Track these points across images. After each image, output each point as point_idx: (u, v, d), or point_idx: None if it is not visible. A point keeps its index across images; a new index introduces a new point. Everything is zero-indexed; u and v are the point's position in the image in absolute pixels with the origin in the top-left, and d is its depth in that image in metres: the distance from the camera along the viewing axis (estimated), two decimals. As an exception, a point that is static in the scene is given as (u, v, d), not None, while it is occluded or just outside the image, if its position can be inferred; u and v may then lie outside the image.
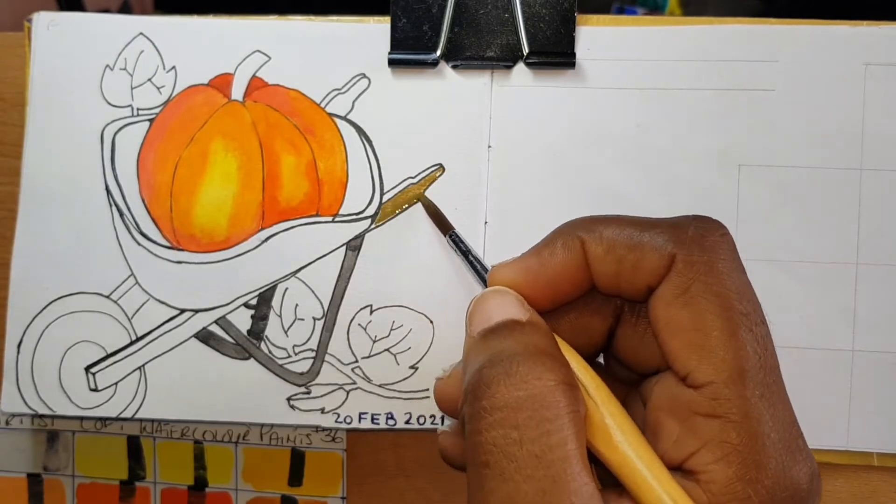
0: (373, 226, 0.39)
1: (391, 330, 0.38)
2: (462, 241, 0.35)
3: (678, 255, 0.26)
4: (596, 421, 0.25)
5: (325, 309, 0.38)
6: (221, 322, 0.39)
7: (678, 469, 0.25)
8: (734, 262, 0.26)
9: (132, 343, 0.39)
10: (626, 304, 0.29)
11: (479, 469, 0.24)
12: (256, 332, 0.39)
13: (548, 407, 0.23)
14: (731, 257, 0.26)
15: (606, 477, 0.26)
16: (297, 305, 0.38)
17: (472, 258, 0.34)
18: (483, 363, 0.25)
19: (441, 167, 0.39)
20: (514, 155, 0.38)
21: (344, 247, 0.39)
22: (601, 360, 0.31)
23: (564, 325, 0.29)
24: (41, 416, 0.41)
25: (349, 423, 0.38)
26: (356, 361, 0.38)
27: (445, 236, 0.36)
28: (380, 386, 0.38)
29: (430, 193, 0.38)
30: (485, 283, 0.31)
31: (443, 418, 0.38)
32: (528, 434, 0.23)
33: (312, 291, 0.38)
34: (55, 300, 0.39)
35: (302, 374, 0.38)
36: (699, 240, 0.26)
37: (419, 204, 0.38)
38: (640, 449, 0.25)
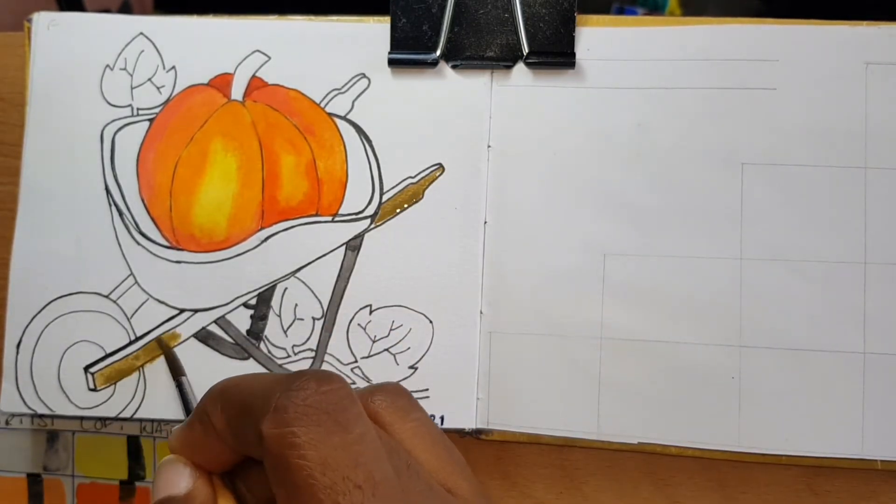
0: (372, 225, 0.39)
1: (391, 330, 0.38)
2: (186, 393, 0.37)
3: (263, 431, 0.24)
4: None
5: (325, 309, 0.38)
6: (221, 322, 0.39)
7: None
8: (321, 426, 0.24)
9: (131, 343, 0.39)
10: None
11: None
12: (256, 332, 0.39)
13: None
14: (317, 422, 0.24)
15: None
16: (296, 305, 0.38)
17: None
18: None
19: (441, 167, 0.39)
20: (513, 155, 0.38)
21: (343, 246, 0.38)
22: None
23: (246, 484, 0.28)
24: (40, 416, 0.41)
25: (349, 423, 0.38)
26: (356, 361, 0.38)
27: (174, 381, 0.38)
28: (379, 386, 0.38)
29: (430, 193, 0.38)
30: None
31: (442, 418, 0.38)
32: None
33: (312, 291, 0.38)
34: (54, 300, 0.39)
35: (301, 374, 0.38)
36: (282, 412, 0.24)
37: (419, 204, 0.38)
38: None
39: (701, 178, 0.38)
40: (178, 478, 0.28)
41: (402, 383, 0.38)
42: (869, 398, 0.36)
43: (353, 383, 0.38)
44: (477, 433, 0.38)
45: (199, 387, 0.38)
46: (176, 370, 0.37)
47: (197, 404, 0.27)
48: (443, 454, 0.27)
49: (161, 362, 0.39)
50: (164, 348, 0.39)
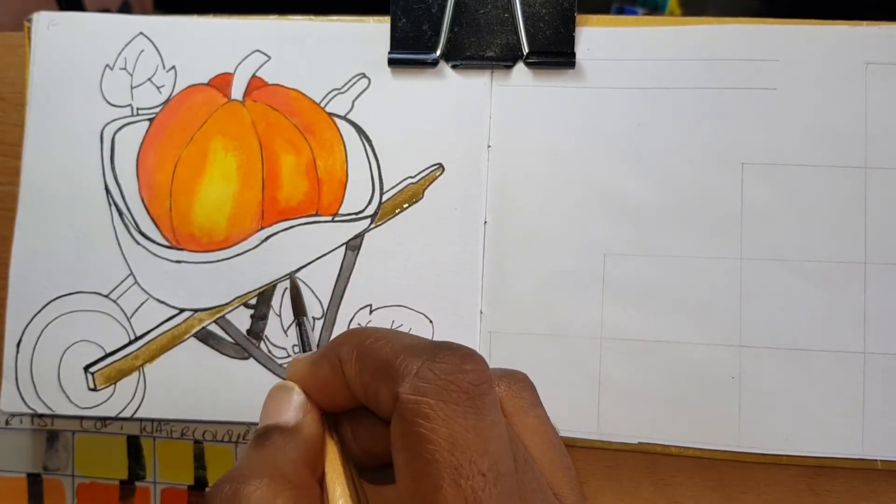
0: (372, 225, 0.39)
1: (391, 330, 0.38)
2: (306, 331, 0.37)
3: (399, 394, 0.24)
4: None
5: (325, 308, 0.38)
6: (221, 322, 0.39)
7: None
8: (458, 405, 0.24)
9: (131, 342, 0.39)
10: None
11: None
12: (256, 331, 0.39)
13: None
14: (455, 400, 0.24)
15: None
16: (296, 305, 0.38)
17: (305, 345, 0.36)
18: (231, 473, 0.25)
19: (441, 167, 0.39)
20: (513, 155, 0.38)
21: (343, 246, 0.38)
22: None
23: (361, 432, 0.29)
24: (40, 416, 0.41)
25: (349, 423, 0.38)
26: (356, 361, 0.38)
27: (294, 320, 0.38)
28: (379, 386, 0.38)
29: (430, 193, 0.38)
30: None
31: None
32: None
33: (312, 291, 0.38)
34: (54, 299, 0.39)
35: (301, 373, 0.38)
36: (422, 380, 0.24)
37: (419, 204, 0.38)
38: None
39: (701, 178, 0.38)
40: (290, 407, 0.28)
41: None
42: (869, 398, 0.36)
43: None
44: (477, 433, 0.38)
45: (199, 387, 0.38)
46: (298, 309, 0.37)
47: (330, 343, 0.28)
48: (556, 458, 0.27)
49: (162, 362, 0.39)
50: (292, 285, 0.38)
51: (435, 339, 0.38)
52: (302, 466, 0.26)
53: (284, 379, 0.29)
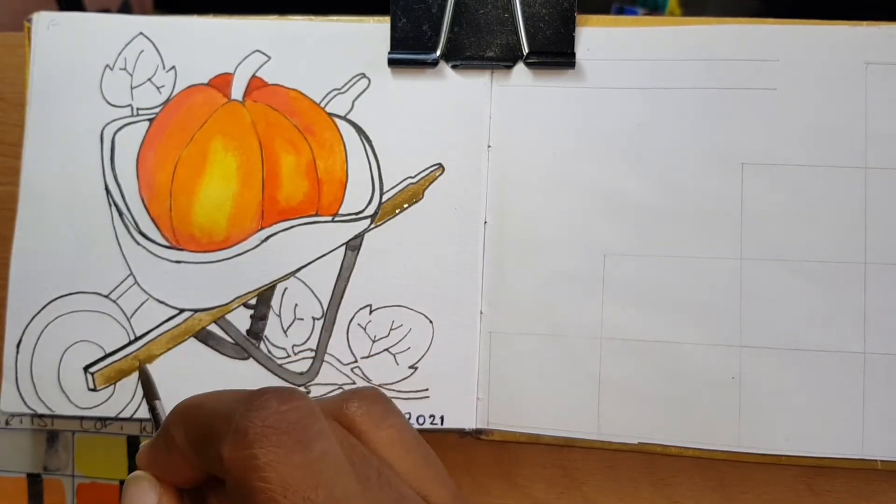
0: (372, 225, 0.39)
1: (391, 330, 0.38)
2: (157, 417, 0.35)
3: (223, 454, 0.23)
4: None
5: (325, 309, 0.38)
6: (221, 322, 0.39)
7: None
8: (281, 447, 0.23)
9: (131, 343, 0.39)
10: None
11: None
12: (256, 331, 0.39)
13: None
14: (277, 443, 0.23)
15: None
16: (296, 305, 0.38)
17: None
18: None
19: (441, 167, 0.39)
20: (513, 155, 0.38)
21: (343, 246, 0.38)
22: None
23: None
24: (40, 416, 0.41)
25: (349, 423, 0.38)
26: (356, 361, 0.38)
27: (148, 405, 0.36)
28: (379, 386, 0.38)
29: (430, 193, 0.38)
30: None
31: (442, 418, 0.38)
32: None
33: (312, 291, 0.38)
34: (54, 300, 0.39)
35: (301, 374, 0.38)
36: (240, 434, 0.23)
37: (419, 204, 0.38)
38: None
39: (701, 178, 0.38)
40: (144, 497, 0.27)
41: (401, 383, 0.38)
42: (869, 398, 0.36)
43: (353, 383, 0.38)
44: (477, 433, 0.38)
45: (199, 387, 0.38)
46: (150, 394, 0.36)
47: (164, 422, 0.27)
48: (419, 461, 0.27)
49: (162, 362, 0.39)
50: (141, 371, 0.38)
51: (434, 339, 0.38)
52: None
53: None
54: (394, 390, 0.38)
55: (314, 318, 0.38)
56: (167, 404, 0.39)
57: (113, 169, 0.39)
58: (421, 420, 0.38)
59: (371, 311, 0.38)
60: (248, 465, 0.23)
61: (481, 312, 0.38)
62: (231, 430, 0.23)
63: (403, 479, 0.26)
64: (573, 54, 0.38)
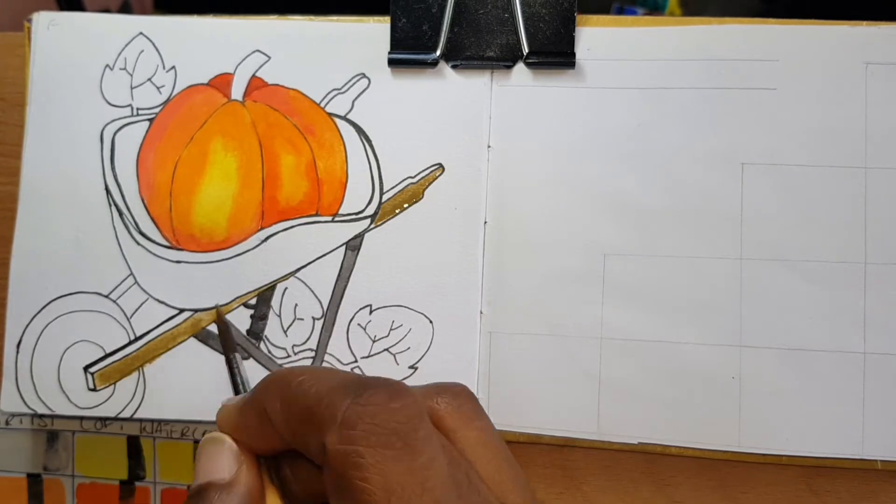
0: (372, 225, 0.39)
1: (391, 330, 0.38)
2: (237, 368, 0.35)
3: (327, 446, 0.23)
4: None
5: (325, 309, 0.38)
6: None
7: None
8: (389, 449, 0.23)
9: (131, 343, 0.39)
10: None
11: None
12: (256, 331, 0.39)
13: None
14: (385, 444, 0.23)
15: None
16: (296, 305, 0.38)
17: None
18: None
19: (441, 167, 0.39)
20: (513, 155, 0.38)
21: (343, 246, 0.38)
22: None
23: (292, 474, 0.28)
24: (40, 416, 0.41)
25: (349, 423, 0.38)
26: (356, 361, 0.38)
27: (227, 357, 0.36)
28: (379, 386, 0.38)
29: (430, 193, 0.38)
30: None
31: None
32: None
33: (312, 291, 0.38)
34: (54, 300, 0.39)
35: (301, 374, 0.38)
36: (348, 427, 0.23)
37: (419, 204, 0.38)
38: None
39: (701, 178, 0.38)
40: (223, 461, 0.27)
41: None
42: (869, 398, 0.36)
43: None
44: (477, 433, 0.38)
45: (199, 387, 0.38)
46: (228, 346, 0.36)
47: (252, 392, 0.27)
48: (503, 466, 0.26)
49: (162, 362, 0.39)
50: (219, 320, 0.38)
51: (434, 339, 0.38)
52: None
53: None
54: (394, 390, 0.38)
55: (314, 318, 0.38)
56: (166, 405, 0.39)
57: (113, 169, 0.39)
58: (421, 420, 0.38)
59: (371, 311, 0.38)
60: (352, 463, 0.23)
61: (481, 312, 0.38)
62: (337, 421, 0.23)
63: (486, 483, 0.25)
64: (573, 54, 0.38)
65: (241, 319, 0.39)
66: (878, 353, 0.36)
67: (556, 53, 0.38)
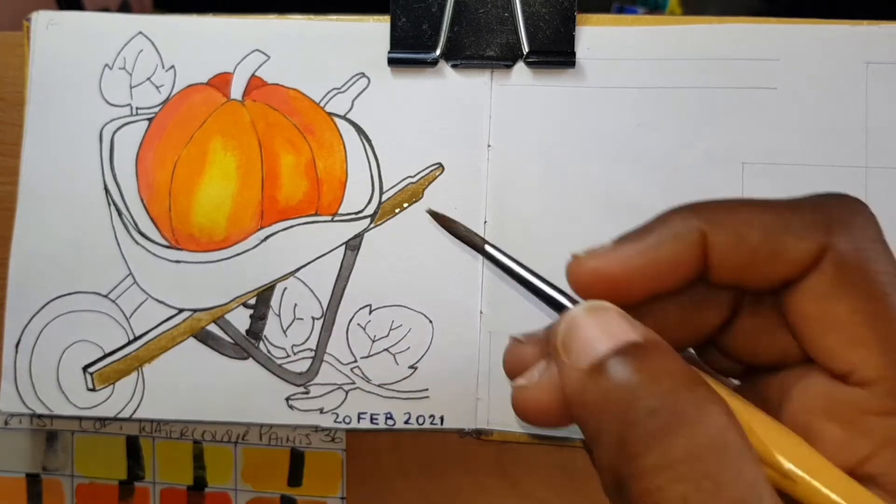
0: (372, 225, 0.38)
1: (390, 330, 0.38)
2: (500, 253, 0.27)
3: (830, 243, 0.23)
4: (751, 439, 0.22)
5: (324, 308, 0.38)
6: (220, 322, 0.39)
7: (850, 475, 0.22)
8: (884, 243, 0.24)
9: (130, 343, 0.39)
10: (747, 295, 0.26)
11: None
12: (255, 331, 0.39)
13: (730, 445, 0.20)
14: (881, 238, 0.24)
15: None
16: (295, 305, 0.38)
17: (523, 273, 0.27)
18: (630, 412, 0.21)
19: (441, 166, 0.38)
20: (514, 154, 0.38)
21: (343, 246, 0.38)
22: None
23: (670, 321, 0.26)
24: (39, 416, 0.41)
25: (348, 423, 0.38)
26: (355, 361, 0.38)
27: (481, 252, 0.29)
28: (379, 386, 0.38)
29: (430, 192, 0.38)
30: (555, 303, 0.26)
31: (442, 418, 0.38)
32: (724, 479, 0.20)
33: (311, 291, 0.38)
34: (53, 299, 0.39)
35: (301, 373, 0.38)
36: (848, 224, 0.23)
37: (419, 203, 0.38)
38: (808, 461, 0.22)
39: (701, 178, 0.38)
40: (622, 326, 0.23)
41: (401, 383, 0.38)
42: None
43: (353, 383, 0.38)
44: (477, 433, 0.38)
45: (198, 387, 0.38)
46: (476, 241, 0.28)
47: (666, 220, 0.25)
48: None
49: (161, 362, 0.38)
50: (443, 222, 0.31)
51: (434, 339, 0.38)
52: (692, 368, 0.23)
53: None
54: (393, 390, 0.38)
55: (314, 318, 0.38)
56: (166, 405, 0.39)
57: (112, 168, 0.39)
58: (421, 420, 0.38)
59: (371, 311, 0.38)
60: (872, 259, 0.23)
61: (481, 312, 0.38)
62: (852, 224, 0.24)
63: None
64: (573, 53, 0.38)
65: (240, 319, 0.39)
66: None
67: (556, 53, 0.38)
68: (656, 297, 0.25)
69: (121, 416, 0.38)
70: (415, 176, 0.39)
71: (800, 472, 0.22)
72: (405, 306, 0.38)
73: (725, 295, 0.26)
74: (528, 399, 0.25)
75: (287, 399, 0.38)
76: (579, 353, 0.23)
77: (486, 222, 0.38)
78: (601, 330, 0.23)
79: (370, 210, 0.38)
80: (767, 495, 0.20)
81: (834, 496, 0.21)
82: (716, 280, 0.24)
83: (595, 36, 0.39)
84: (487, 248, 0.27)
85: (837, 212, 0.24)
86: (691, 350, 0.27)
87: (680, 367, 0.22)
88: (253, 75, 0.39)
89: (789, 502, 0.22)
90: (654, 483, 0.20)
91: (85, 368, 0.39)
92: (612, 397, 0.22)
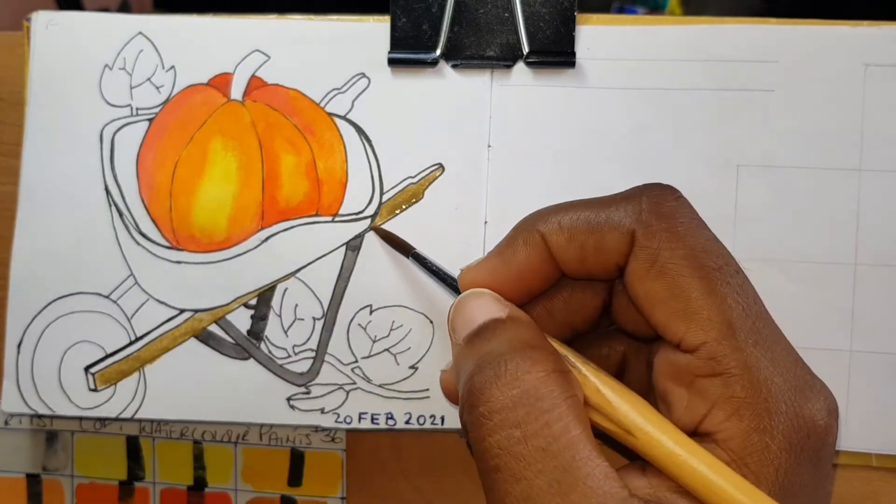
0: (372, 225, 0.38)
1: (391, 330, 0.38)
2: (426, 259, 0.35)
3: (637, 229, 0.26)
4: (599, 401, 0.26)
5: (325, 309, 0.38)
6: (221, 322, 0.39)
7: (694, 434, 0.25)
8: (692, 221, 0.27)
9: (131, 343, 0.39)
10: (616, 279, 0.29)
11: (491, 474, 0.24)
12: (256, 332, 0.39)
13: (543, 398, 0.24)
14: (689, 218, 0.27)
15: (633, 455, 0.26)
16: (296, 305, 0.38)
17: (439, 272, 0.34)
18: (472, 369, 0.25)
19: (441, 167, 0.39)
20: (514, 154, 0.38)
21: (344, 247, 0.38)
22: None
23: (558, 306, 0.30)
24: (41, 417, 0.41)
25: (349, 424, 0.38)
26: (356, 361, 0.38)
27: (408, 258, 0.36)
28: (380, 386, 0.38)
29: (430, 193, 0.38)
30: (457, 291, 0.31)
31: (443, 418, 0.38)
32: (530, 429, 0.23)
33: (312, 291, 0.38)
34: (55, 300, 0.39)
35: (302, 374, 0.38)
36: (654, 208, 0.26)
37: (419, 204, 0.38)
38: (648, 417, 0.25)
39: (696, 179, 0.38)
40: (491, 305, 0.28)
41: (402, 383, 0.38)
42: (853, 394, 0.37)
43: (354, 383, 0.38)
44: (477, 433, 0.38)
45: (199, 387, 0.38)
46: (404, 248, 0.37)
47: (517, 230, 0.29)
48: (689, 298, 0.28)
49: (162, 363, 0.38)
50: (382, 234, 0.38)
51: (434, 339, 0.38)
52: (541, 336, 0.27)
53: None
54: (394, 390, 0.38)
55: (314, 319, 0.38)
56: (167, 405, 0.39)
57: (112, 169, 0.39)
58: (421, 420, 0.38)
59: (371, 312, 0.38)
60: (671, 233, 0.26)
61: (482, 312, 0.38)
62: (640, 210, 0.27)
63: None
64: (573, 53, 0.38)
65: (241, 320, 0.39)
66: (864, 352, 0.37)
67: (556, 53, 0.38)
68: (536, 294, 0.30)
69: (122, 416, 0.38)
70: (415, 176, 0.39)
71: (639, 426, 0.25)
72: (405, 306, 0.38)
73: (598, 283, 0.30)
74: (445, 380, 0.32)
75: (288, 399, 0.38)
76: (461, 329, 0.28)
77: (486, 222, 0.38)
78: (477, 309, 0.28)
79: (370, 210, 0.39)
80: (582, 447, 0.23)
81: (669, 445, 0.24)
82: (569, 273, 0.29)
83: (595, 36, 0.39)
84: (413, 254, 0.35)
85: (646, 199, 0.27)
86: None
87: (527, 336, 0.26)
88: (253, 75, 0.39)
89: (635, 457, 0.26)
90: (480, 432, 0.24)
91: (87, 369, 0.39)
92: (468, 359, 0.26)
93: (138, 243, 0.39)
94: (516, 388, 0.24)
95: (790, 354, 0.25)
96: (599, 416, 0.26)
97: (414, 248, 0.36)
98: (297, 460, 0.41)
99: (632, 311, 0.29)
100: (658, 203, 0.27)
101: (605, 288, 0.30)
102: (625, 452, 0.27)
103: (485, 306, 0.28)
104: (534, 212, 0.29)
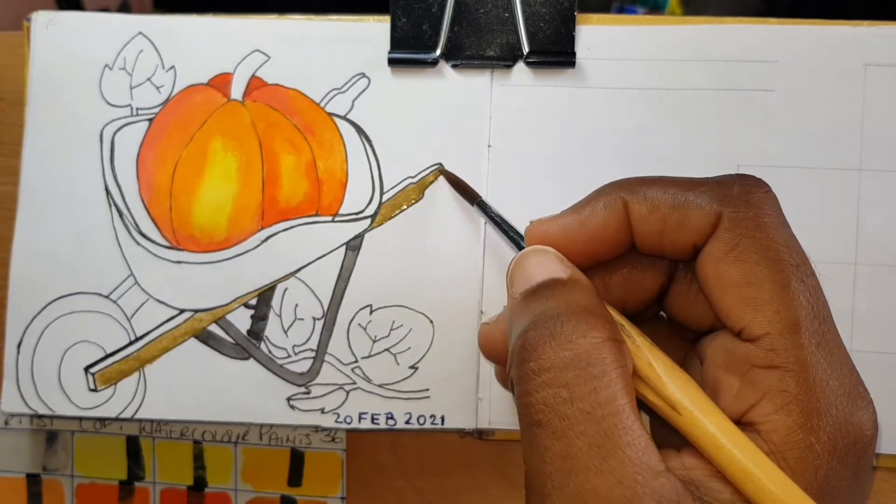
0: (372, 225, 0.38)
1: (391, 330, 0.38)
2: (491, 208, 0.35)
3: (725, 212, 0.26)
4: (649, 374, 0.26)
5: (325, 309, 0.38)
6: (221, 322, 0.39)
7: (738, 422, 0.25)
8: (779, 216, 0.27)
9: (131, 343, 0.39)
10: (680, 263, 0.29)
11: (532, 428, 0.24)
12: (256, 332, 0.39)
13: (594, 364, 0.24)
14: (776, 212, 0.27)
15: (668, 436, 0.26)
16: (296, 305, 0.38)
17: (504, 223, 0.33)
18: (527, 325, 0.25)
19: (441, 166, 0.39)
20: (514, 154, 0.38)
21: (344, 247, 0.38)
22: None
23: (615, 281, 0.30)
24: (41, 417, 0.41)
25: (349, 424, 0.38)
26: (356, 361, 0.38)
27: (473, 205, 0.36)
28: (380, 386, 0.38)
29: (430, 193, 0.38)
30: (519, 247, 0.31)
31: (443, 418, 0.38)
32: (578, 391, 0.24)
33: (312, 291, 0.38)
34: (55, 300, 0.39)
35: (302, 374, 0.38)
36: (744, 196, 0.27)
37: (419, 204, 0.38)
38: (695, 397, 0.25)
39: (697, 179, 0.38)
40: (553, 264, 0.28)
41: (402, 383, 0.38)
42: None
43: (354, 383, 0.38)
44: (478, 433, 0.38)
45: (199, 387, 0.38)
46: (471, 195, 0.37)
47: (601, 192, 0.29)
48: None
49: (162, 363, 0.38)
50: (450, 178, 0.38)
51: (434, 339, 0.38)
52: (599, 303, 0.27)
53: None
54: (394, 390, 0.38)
55: (314, 319, 0.38)
56: (167, 405, 0.39)
57: (113, 169, 0.39)
58: (421, 420, 0.38)
59: (371, 312, 0.38)
60: (761, 223, 0.26)
61: (482, 312, 0.38)
62: (735, 195, 0.27)
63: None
64: (573, 53, 0.38)
65: (241, 320, 0.39)
66: (863, 352, 0.37)
67: (556, 53, 0.38)
68: (600, 261, 0.29)
69: (122, 416, 0.38)
70: (415, 176, 0.39)
71: (685, 404, 0.25)
72: (405, 306, 0.38)
73: (661, 264, 0.29)
74: (486, 332, 0.31)
75: (288, 399, 0.38)
76: (520, 284, 0.28)
77: (486, 222, 0.38)
78: (539, 267, 0.28)
79: (370, 210, 0.39)
80: (626, 416, 0.23)
81: (711, 427, 0.24)
82: (640, 247, 0.28)
83: (595, 36, 0.39)
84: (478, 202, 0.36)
85: (738, 186, 0.27)
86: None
87: (587, 301, 0.26)
88: (253, 75, 0.39)
89: (677, 436, 0.26)
90: (527, 387, 0.24)
91: (87, 369, 0.39)
92: (524, 314, 0.26)
93: (138, 243, 0.39)
94: (569, 350, 0.24)
95: (847, 362, 0.25)
96: (647, 388, 0.26)
97: (480, 197, 0.36)
98: (297, 460, 0.41)
99: (687, 298, 0.29)
100: (749, 192, 0.27)
101: (666, 272, 0.30)
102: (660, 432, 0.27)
103: (547, 264, 0.28)
104: (618, 179, 0.29)
